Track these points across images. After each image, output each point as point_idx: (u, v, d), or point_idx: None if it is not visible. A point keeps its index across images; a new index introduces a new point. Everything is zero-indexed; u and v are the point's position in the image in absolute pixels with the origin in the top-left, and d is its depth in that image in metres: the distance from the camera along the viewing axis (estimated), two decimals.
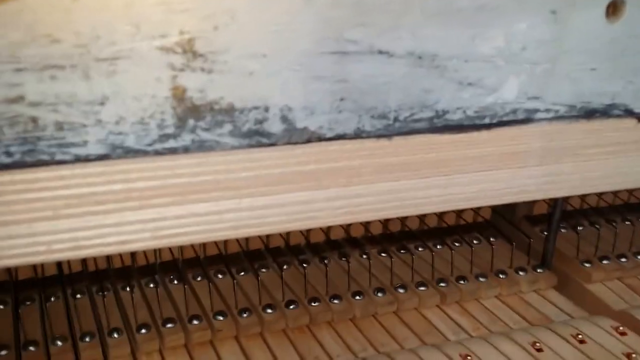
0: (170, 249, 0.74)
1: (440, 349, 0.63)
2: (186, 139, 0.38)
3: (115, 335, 0.63)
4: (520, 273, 0.76)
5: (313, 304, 0.69)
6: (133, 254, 0.73)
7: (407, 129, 0.43)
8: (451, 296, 0.72)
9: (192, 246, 0.75)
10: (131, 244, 0.40)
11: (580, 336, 0.65)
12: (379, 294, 0.71)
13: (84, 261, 0.72)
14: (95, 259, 0.72)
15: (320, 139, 0.41)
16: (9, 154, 0.35)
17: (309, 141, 0.41)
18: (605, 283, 0.76)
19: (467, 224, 0.85)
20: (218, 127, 0.38)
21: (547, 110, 0.45)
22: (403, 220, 0.83)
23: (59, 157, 0.36)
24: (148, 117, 0.37)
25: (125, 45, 0.35)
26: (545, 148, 0.47)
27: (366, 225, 0.82)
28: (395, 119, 0.42)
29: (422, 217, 0.84)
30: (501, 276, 0.75)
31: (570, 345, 0.64)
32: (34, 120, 0.35)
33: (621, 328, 0.67)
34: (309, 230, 0.79)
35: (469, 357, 0.61)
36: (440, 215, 0.84)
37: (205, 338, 0.65)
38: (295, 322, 0.67)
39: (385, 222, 0.82)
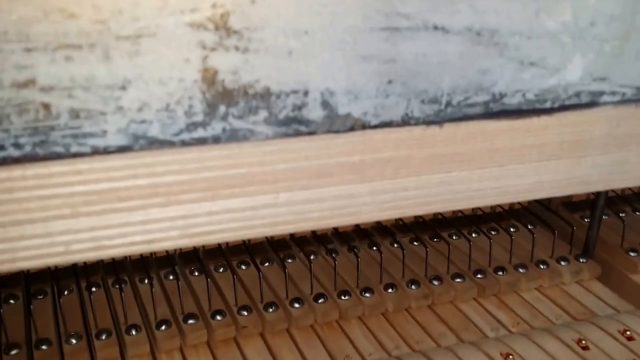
0: None
1: (479, 347, 0.59)
2: (217, 127, 0.34)
3: (133, 332, 0.60)
4: (562, 263, 0.72)
5: (343, 298, 0.65)
6: None
7: (460, 115, 0.38)
8: (489, 289, 0.68)
9: None
10: (158, 243, 0.36)
11: (628, 332, 0.60)
12: (413, 287, 0.67)
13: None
14: None
15: (365, 126, 0.37)
16: (18, 145, 0.31)
17: (352, 129, 0.37)
18: None
19: (504, 210, 0.81)
20: (252, 114, 0.34)
21: (614, 93, 0.41)
22: None
23: (74, 149, 0.32)
24: (175, 103, 0.33)
25: (150, 21, 0.30)
26: (610, 135, 0.42)
27: None
28: (448, 104, 0.38)
29: None
30: (542, 267, 0.71)
31: (617, 343, 0.60)
32: (46, 107, 0.31)
33: None
34: None
35: (510, 357, 0.57)
36: None
37: (229, 335, 0.61)
38: (324, 317, 0.64)
39: None
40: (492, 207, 0.81)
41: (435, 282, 0.68)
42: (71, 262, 0.35)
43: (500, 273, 0.70)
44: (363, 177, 0.38)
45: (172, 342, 0.60)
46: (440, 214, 0.78)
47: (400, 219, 0.77)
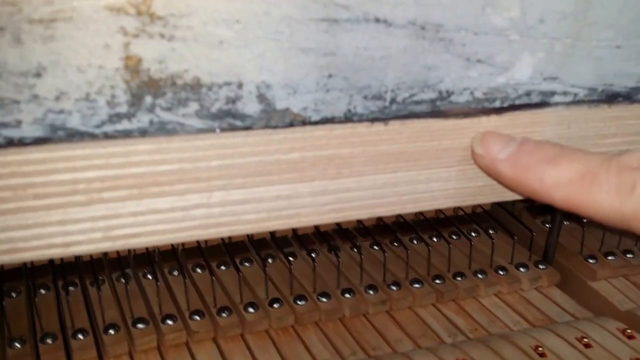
0: None
1: (436, 354, 0.57)
2: (143, 120, 0.32)
3: (80, 337, 0.57)
4: (521, 270, 0.70)
5: (299, 303, 0.63)
6: None
7: (406, 112, 0.37)
8: (448, 294, 0.67)
9: None
10: (78, 246, 0.34)
11: (585, 340, 0.59)
12: (371, 292, 0.65)
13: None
14: None
15: (305, 122, 0.35)
16: None
17: (291, 125, 0.35)
18: (611, 281, 0.71)
19: (466, 214, 0.79)
20: (182, 106, 0.32)
21: (565, 93, 0.39)
22: None
23: None
24: (95, 92, 0.31)
25: (65, 4, 0.28)
26: (561, 137, 0.41)
27: None
28: (392, 101, 0.36)
29: None
30: (501, 273, 0.70)
31: (575, 350, 0.58)
32: None
33: (628, 331, 0.61)
34: None
35: None
36: None
37: (180, 340, 0.59)
38: (279, 322, 0.62)
39: None
40: (455, 210, 0.79)
41: (394, 288, 0.66)
42: None
43: (459, 278, 0.68)
44: (303, 176, 0.36)
45: (121, 346, 0.57)
46: (401, 216, 0.76)
47: (361, 222, 0.75)
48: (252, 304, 0.62)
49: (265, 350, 0.59)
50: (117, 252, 0.67)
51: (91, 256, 0.66)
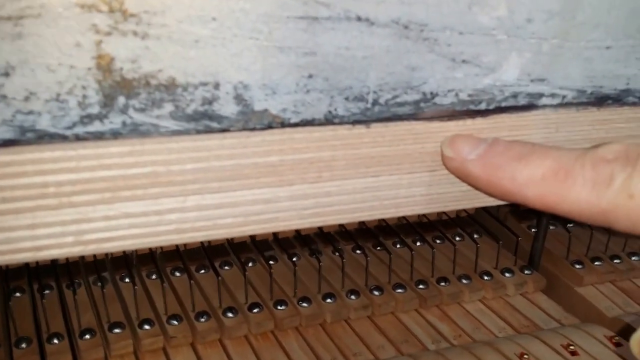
0: None
1: None
2: (115, 121, 0.31)
3: (55, 341, 0.56)
4: (507, 275, 0.70)
5: (279, 308, 0.62)
6: None
7: (389, 115, 0.36)
8: (431, 300, 0.66)
9: None
10: (49, 250, 0.32)
11: (571, 347, 0.59)
12: (353, 297, 0.64)
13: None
14: None
15: (284, 124, 0.34)
16: None
17: (269, 127, 0.34)
18: (597, 286, 0.70)
19: (450, 219, 0.79)
20: (156, 107, 0.31)
21: (553, 95, 0.39)
22: None
23: None
24: (66, 92, 0.29)
25: (33, 0, 0.27)
26: (549, 140, 0.40)
27: None
28: (375, 102, 0.35)
29: None
30: (486, 278, 0.69)
31: (561, 357, 0.58)
32: None
33: (616, 338, 0.61)
34: None
35: None
36: None
37: (157, 345, 0.58)
38: (258, 327, 0.60)
39: None
40: (438, 215, 0.78)
41: (376, 292, 0.65)
42: None
43: (443, 284, 0.67)
44: (282, 180, 0.35)
45: (96, 351, 0.56)
46: (384, 220, 0.75)
47: (343, 226, 0.74)
48: (231, 309, 0.61)
49: (244, 356, 0.58)
50: (94, 255, 0.66)
51: (67, 259, 0.65)
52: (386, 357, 0.58)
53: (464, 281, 0.68)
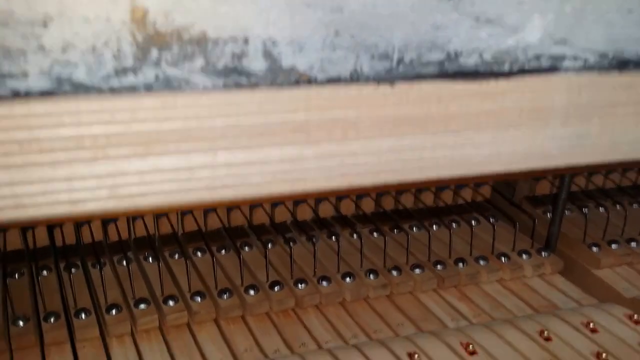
0: (145, 223, 0.68)
1: (439, 337, 0.56)
2: (149, 74, 0.32)
3: (83, 316, 0.57)
4: (524, 256, 0.70)
5: (300, 286, 0.63)
6: (105, 225, 0.67)
7: (413, 74, 0.36)
8: (449, 280, 0.66)
9: (169, 221, 0.69)
10: (85, 203, 0.33)
11: (591, 324, 0.59)
12: (371, 276, 0.65)
13: (50, 235, 0.66)
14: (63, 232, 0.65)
15: (311, 81, 0.35)
16: None
17: (296, 84, 0.34)
18: (615, 269, 0.71)
19: (466, 203, 0.79)
20: (188, 60, 0.32)
21: (575, 58, 0.39)
22: (397, 198, 0.76)
23: None
24: (102, 44, 0.30)
25: None
26: (570, 104, 0.41)
27: (357, 202, 0.75)
28: (399, 61, 0.36)
29: (417, 196, 0.77)
30: (503, 259, 0.69)
31: (581, 334, 0.58)
32: None
33: (635, 316, 0.61)
34: (295, 207, 0.73)
35: (470, 346, 0.55)
36: (437, 194, 0.78)
37: (182, 320, 0.58)
38: (280, 305, 0.61)
39: (378, 200, 0.76)
40: (454, 199, 0.79)
41: (394, 273, 0.66)
42: None
43: (461, 264, 0.68)
44: (308, 138, 0.36)
45: (123, 326, 0.57)
46: (401, 203, 0.76)
47: (360, 208, 0.75)
48: (252, 287, 0.61)
49: (266, 332, 0.58)
50: (119, 235, 0.67)
51: (93, 239, 0.66)
52: (406, 334, 0.59)
53: (481, 262, 0.68)
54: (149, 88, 0.32)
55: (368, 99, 0.36)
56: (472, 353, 0.54)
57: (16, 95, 0.30)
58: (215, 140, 0.34)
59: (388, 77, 0.36)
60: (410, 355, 0.53)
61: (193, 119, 0.33)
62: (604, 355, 0.54)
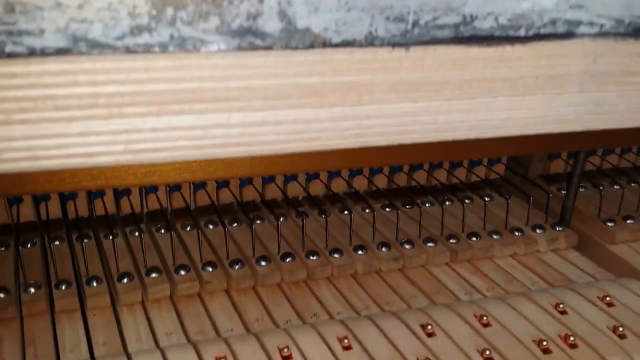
0: (158, 198, 0.68)
1: (452, 309, 0.56)
2: (164, 33, 0.32)
3: (94, 284, 0.57)
4: (538, 231, 0.70)
5: (311, 258, 0.63)
6: (118, 204, 0.67)
7: (428, 38, 0.36)
8: (462, 253, 0.66)
9: (182, 195, 0.69)
10: (99, 156, 0.33)
11: (607, 298, 0.58)
12: (384, 249, 0.65)
13: (63, 207, 0.66)
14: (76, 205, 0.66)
15: (325, 44, 0.35)
16: None
17: (311, 46, 0.34)
18: (630, 244, 0.70)
19: (480, 180, 0.79)
20: (202, 20, 0.32)
21: (591, 24, 0.39)
22: (410, 175, 0.76)
23: (9, 48, 0.30)
24: (117, 2, 0.30)
25: None
26: (586, 71, 0.40)
27: (370, 178, 0.75)
28: (415, 24, 0.35)
29: (430, 172, 0.77)
30: (517, 234, 0.69)
31: (597, 308, 0.57)
32: None
33: None
34: (308, 183, 0.73)
35: (485, 318, 0.55)
36: (451, 171, 0.78)
37: (193, 290, 0.59)
38: (291, 276, 0.61)
39: (391, 176, 0.76)
40: (467, 176, 0.79)
41: (407, 246, 0.66)
42: (3, 172, 0.33)
43: (474, 239, 0.67)
44: (323, 101, 0.36)
45: (134, 294, 0.57)
46: (414, 179, 0.76)
47: (374, 184, 0.75)
48: (264, 258, 0.62)
49: (278, 303, 0.58)
50: (132, 208, 0.67)
51: (106, 211, 0.66)
52: (419, 306, 0.59)
53: (495, 236, 0.68)
54: (163, 48, 0.32)
55: (383, 62, 0.36)
56: (486, 325, 0.54)
57: (32, 53, 0.30)
58: (230, 101, 0.34)
59: (403, 41, 0.36)
60: (424, 326, 0.53)
61: (207, 80, 0.33)
62: (620, 329, 0.54)
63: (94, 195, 0.66)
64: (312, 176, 0.72)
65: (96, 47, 0.31)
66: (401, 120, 0.38)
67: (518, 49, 0.38)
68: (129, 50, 0.31)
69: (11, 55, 0.30)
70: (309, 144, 0.36)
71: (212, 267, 0.60)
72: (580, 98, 0.41)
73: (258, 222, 0.69)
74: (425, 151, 0.46)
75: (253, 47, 0.33)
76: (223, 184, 0.69)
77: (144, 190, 0.68)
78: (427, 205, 0.74)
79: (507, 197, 0.72)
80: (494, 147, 0.49)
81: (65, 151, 0.32)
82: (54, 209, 0.65)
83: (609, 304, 0.58)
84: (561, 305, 0.57)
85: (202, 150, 0.35)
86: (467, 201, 0.75)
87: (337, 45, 0.35)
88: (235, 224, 0.68)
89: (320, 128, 0.36)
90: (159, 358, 0.48)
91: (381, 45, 0.35)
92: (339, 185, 0.75)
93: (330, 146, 0.37)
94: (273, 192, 0.72)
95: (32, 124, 0.31)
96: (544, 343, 0.51)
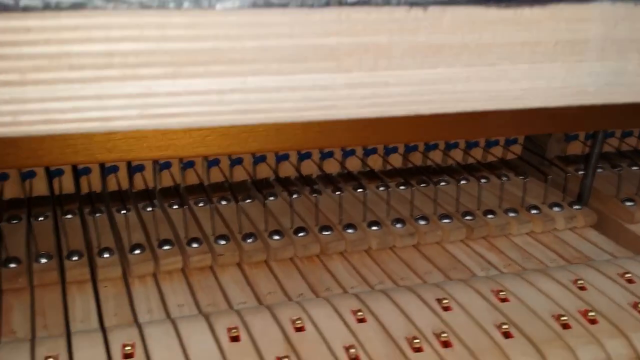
0: (171, 174, 0.68)
1: (469, 284, 0.56)
2: None
3: (106, 255, 0.57)
4: (555, 209, 0.69)
5: (325, 233, 0.62)
6: (131, 179, 0.67)
7: None
8: (478, 230, 0.65)
9: (196, 172, 0.69)
10: (116, 121, 0.33)
11: (627, 275, 0.57)
12: (398, 225, 0.64)
13: (76, 185, 0.66)
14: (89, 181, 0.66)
15: (342, 3, 0.34)
16: None
17: (327, 5, 0.34)
18: None
19: (497, 159, 0.78)
20: None
21: None
22: (426, 154, 0.75)
23: (24, 2, 0.29)
24: None
25: None
26: (607, 37, 0.39)
27: (385, 158, 0.75)
28: None
29: (446, 152, 0.77)
30: (534, 212, 0.68)
31: (617, 285, 0.56)
32: None
33: None
34: (322, 161, 0.72)
35: (502, 293, 0.54)
36: (467, 151, 0.77)
37: (205, 263, 0.59)
38: (304, 250, 0.61)
39: (407, 155, 0.75)
40: (484, 156, 0.78)
41: (422, 222, 0.65)
42: (18, 135, 0.32)
43: (490, 216, 0.67)
44: (339, 65, 0.35)
45: (145, 266, 0.57)
46: (430, 159, 0.75)
47: (389, 163, 0.74)
48: (277, 232, 0.61)
49: (290, 277, 0.58)
50: (145, 184, 0.67)
51: (119, 186, 0.66)
52: (435, 282, 0.58)
53: (511, 214, 0.67)
54: (178, 3, 0.31)
55: (400, 23, 0.35)
56: (504, 300, 0.53)
57: (47, 6, 0.30)
58: (245, 64, 0.34)
59: (421, 0, 0.35)
60: (439, 300, 0.53)
61: (222, 40, 0.33)
62: None
63: (107, 170, 0.66)
64: (326, 154, 0.72)
65: (110, 1, 0.30)
66: (420, 88, 0.37)
67: (537, 12, 0.37)
68: (143, 6, 0.31)
69: (26, 9, 0.30)
70: (325, 112, 0.36)
71: (224, 240, 0.60)
72: (600, 67, 0.40)
73: (271, 198, 0.69)
74: (444, 127, 0.46)
75: (269, 5, 0.33)
76: (237, 161, 0.69)
77: (157, 167, 0.68)
78: (442, 184, 0.74)
79: (524, 177, 0.71)
80: (515, 123, 0.49)
81: (81, 115, 0.32)
82: (67, 185, 0.65)
83: (629, 281, 0.57)
84: (580, 282, 0.56)
85: (218, 117, 0.34)
86: (483, 180, 0.74)
87: (353, 4, 0.34)
88: (249, 200, 0.68)
89: (337, 95, 0.36)
90: (170, 328, 0.48)
91: (398, 4, 0.35)
92: (354, 164, 0.74)
93: (347, 115, 0.36)
94: (287, 170, 0.72)
95: (47, 85, 0.31)
96: (563, 318, 0.51)
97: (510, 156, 0.79)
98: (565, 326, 0.51)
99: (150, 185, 0.68)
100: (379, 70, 0.36)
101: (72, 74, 0.31)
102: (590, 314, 0.52)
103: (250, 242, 0.60)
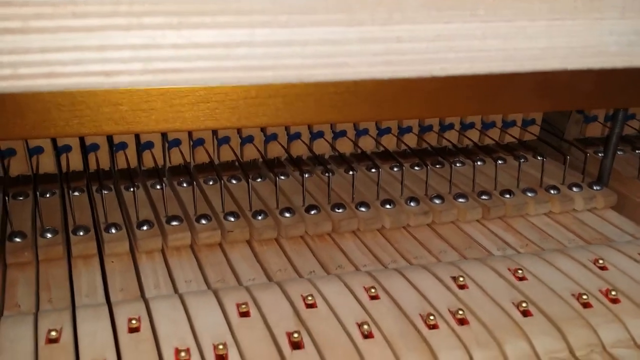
0: (181, 152, 0.66)
1: (485, 263, 0.54)
2: None
3: (113, 231, 0.56)
4: (574, 189, 0.67)
5: (337, 210, 0.61)
6: (140, 157, 0.66)
7: None
8: (494, 210, 0.63)
9: (205, 150, 0.67)
10: (118, 76, 0.32)
11: None
12: (412, 204, 0.63)
13: (85, 162, 0.65)
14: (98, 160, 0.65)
15: None
16: None
17: None
18: None
19: (515, 139, 0.76)
20: None
21: None
22: (441, 134, 0.74)
23: None
24: None
25: None
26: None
27: (399, 137, 0.73)
28: None
29: (462, 132, 0.75)
30: (552, 192, 0.66)
31: (638, 265, 0.54)
32: None
33: None
34: (334, 140, 0.71)
35: (519, 272, 0.52)
36: (484, 131, 0.75)
37: (214, 239, 0.57)
38: (316, 228, 0.59)
39: (421, 135, 0.73)
40: (501, 137, 0.76)
41: (437, 201, 0.63)
42: (17, 90, 0.31)
43: (507, 196, 0.65)
44: (351, 18, 0.34)
45: (153, 242, 0.56)
46: (445, 138, 0.73)
47: (403, 142, 0.72)
48: (288, 209, 0.60)
49: (301, 254, 0.57)
50: (154, 162, 0.65)
51: (128, 164, 0.65)
52: (450, 261, 0.56)
53: (529, 194, 0.65)
54: None
55: None
56: (522, 279, 0.51)
57: None
58: (253, 14, 0.32)
59: None
60: (455, 278, 0.51)
61: None
62: None
63: (116, 148, 0.64)
64: (339, 134, 0.70)
65: None
66: (433, 45, 0.36)
67: None
68: None
69: None
70: (336, 71, 0.34)
71: (234, 217, 0.59)
72: (622, 26, 0.38)
73: (283, 177, 0.67)
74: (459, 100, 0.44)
75: None
76: (247, 139, 0.68)
77: (167, 145, 0.66)
78: (458, 165, 0.72)
79: (542, 157, 0.69)
80: (534, 95, 0.47)
81: (83, 68, 0.31)
82: (75, 162, 0.64)
83: None
84: (600, 261, 0.54)
85: (224, 73, 0.33)
86: (500, 161, 0.72)
87: None
88: (260, 179, 0.67)
89: (348, 51, 0.34)
90: (177, 303, 0.47)
91: None
92: (367, 143, 0.72)
93: (358, 74, 0.35)
94: (299, 148, 0.70)
95: (50, 34, 0.30)
96: (584, 297, 0.49)
97: (528, 137, 0.77)
98: (586, 305, 0.49)
99: (160, 163, 0.66)
100: (392, 24, 0.35)
101: (76, 21, 0.30)
102: (612, 293, 0.50)
103: (260, 219, 0.58)
